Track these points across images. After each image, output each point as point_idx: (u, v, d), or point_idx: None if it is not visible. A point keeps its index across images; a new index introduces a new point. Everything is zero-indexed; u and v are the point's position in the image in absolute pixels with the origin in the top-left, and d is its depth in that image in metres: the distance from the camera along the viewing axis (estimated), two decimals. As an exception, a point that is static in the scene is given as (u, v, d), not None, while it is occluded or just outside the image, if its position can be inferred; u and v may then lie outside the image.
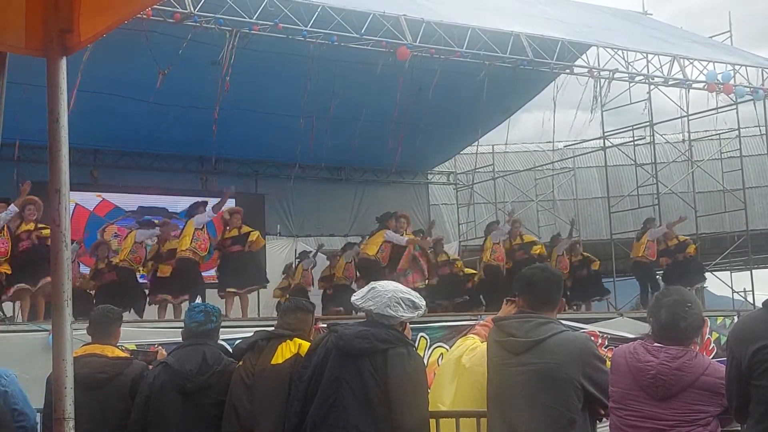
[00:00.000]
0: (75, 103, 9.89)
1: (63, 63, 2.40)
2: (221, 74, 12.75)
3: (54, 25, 2.39)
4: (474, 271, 16.00)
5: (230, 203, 16.11)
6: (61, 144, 2.35)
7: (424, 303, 4.57)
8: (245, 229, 13.09)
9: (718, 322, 13.32)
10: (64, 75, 2.39)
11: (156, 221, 13.89)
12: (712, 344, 12.73)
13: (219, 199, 13.34)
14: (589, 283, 16.20)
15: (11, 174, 14.13)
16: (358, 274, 14.88)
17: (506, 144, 21.05)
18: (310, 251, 16.53)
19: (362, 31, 13.16)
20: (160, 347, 6.19)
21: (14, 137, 13.30)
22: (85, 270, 14.33)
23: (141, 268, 13.39)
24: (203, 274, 13.23)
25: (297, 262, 16.14)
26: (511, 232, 15.51)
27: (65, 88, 2.39)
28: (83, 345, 5.07)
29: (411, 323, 4.66)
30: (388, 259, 13.90)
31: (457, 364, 4.70)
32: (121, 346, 5.42)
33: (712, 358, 4.27)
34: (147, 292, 13.18)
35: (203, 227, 12.74)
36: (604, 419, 3.99)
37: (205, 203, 13.38)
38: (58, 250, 2.38)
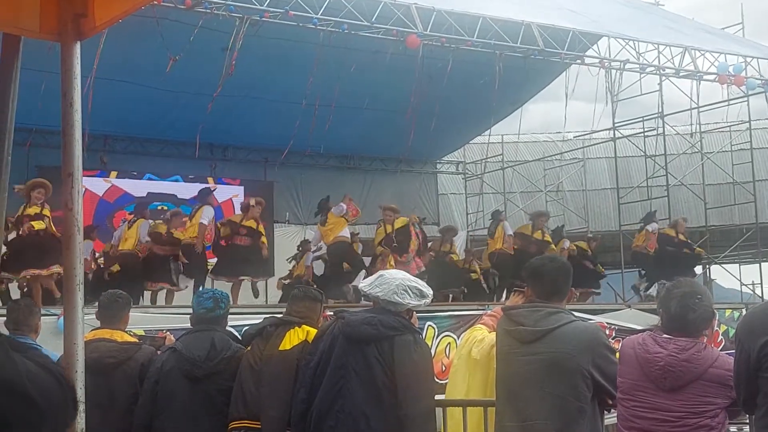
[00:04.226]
0: (86, 89, 9.88)
1: (77, 48, 2.39)
2: (228, 58, 12.71)
3: (68, 9, 2.38)
4: (477, 272, 15.74)
5: (240, 190, 16.08)
6: (74, 128, 2.35)
7: (431, 292, 4.58)
8: (260, 227, 12.94)
9: (727, 314, 13.27)
10: (78, 59, 2.39)
11: (165, 207, 13.85)
12: (720, 337, 12.70)
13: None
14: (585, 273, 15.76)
15: (24, 160, 14.13)
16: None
17: (517, 134, 20.97)
18: (310, 241, 16.31)
19: (373, 19, 13.12)
20: (168, 333, 6.22)
21: (27, 123, 13.31)
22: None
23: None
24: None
25: (300, 252, 15.83)
26: (535, 224, 15.37)
27: (79, 73, 2.39)
28: (92, 330, 5.09)
29: (418, 312, 4.67)
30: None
31: (468, 358, 4.71)
32: (130, 331, 5.43)
33: (720, 350, 4.25)
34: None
35: (208, 222, 12.63)
36: (612, 410, 4.00)
37: (214, 189, 13.31)
38: (70, 234, 2.37)
